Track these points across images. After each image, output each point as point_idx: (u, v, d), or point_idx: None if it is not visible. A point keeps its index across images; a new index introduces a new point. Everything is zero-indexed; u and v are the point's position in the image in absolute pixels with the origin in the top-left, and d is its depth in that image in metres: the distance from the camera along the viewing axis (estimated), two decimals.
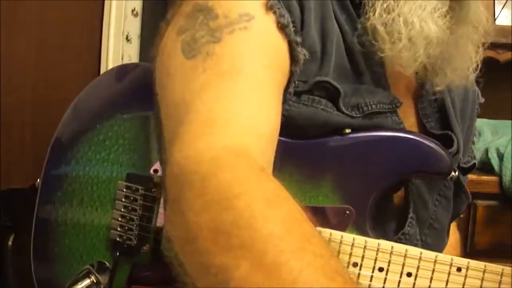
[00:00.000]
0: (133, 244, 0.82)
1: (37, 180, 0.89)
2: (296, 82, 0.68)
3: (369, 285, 0.67)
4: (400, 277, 0.67)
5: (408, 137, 0.73)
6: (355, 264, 0.67)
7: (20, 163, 1.57)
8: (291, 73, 0.67)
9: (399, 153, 0.72)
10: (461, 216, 0.91)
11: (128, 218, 0.83)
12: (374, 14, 0.70)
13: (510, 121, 1.75)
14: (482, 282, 0.67)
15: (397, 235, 0.75)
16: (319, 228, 0.67)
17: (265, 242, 0.46)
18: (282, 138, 0.69)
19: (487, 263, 0.68)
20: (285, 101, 0.68)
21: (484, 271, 0.68)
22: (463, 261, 0.68)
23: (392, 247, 0.67)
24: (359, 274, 0.67)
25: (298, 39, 0.66)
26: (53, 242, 0.85)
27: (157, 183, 0.82)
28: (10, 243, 1.09)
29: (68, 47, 1.72)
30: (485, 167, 1.61)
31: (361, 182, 0.71)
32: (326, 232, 0.67)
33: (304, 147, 0.70)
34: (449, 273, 0.67)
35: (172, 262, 0.52)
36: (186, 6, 0.66)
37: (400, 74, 0.74)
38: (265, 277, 0.44)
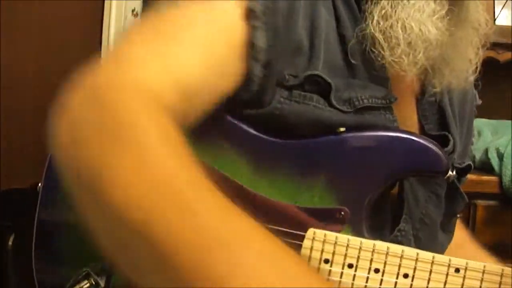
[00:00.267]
0: None
1: (38, 180, 0.89)
2: (287, 76, 0.68)
3: (365, 286, 0.67)
4: (397, 278, 0.66)
5: (404, 136, 0.72)
6: (350, 266, 0.66)
7: (20, 163, 1.57)
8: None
9: (395, 152, 0.71)
10: (460, 216, 0.91)
11: None
12: (372, 22, 0.69)
13: (510, 121, 1.74)
14: (481, 283, 0.67)
15: (393, 232, 0.75)
16: (314, 230, 0.67)
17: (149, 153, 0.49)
18: (275, 139, 0.69)
19: (486, 264, 0.67)
20: (274, 97, 0.67)
21: (483, 272, 0.67)
22: (461, 262, 0.67)
23: (387, 248, 0.66)
24: (354, 275, 0.66)
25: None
26: (54, 243, 0.85)
27: None
28: (10, 243, 1.09)
29: (68, 47, 1.72)
30: (485, 167, 1.61)
31: (356, 182, 0.70)
32: (321, 233, 0.67)
33: (297, 147, 0.70)
34: (447, 274, 0.66)
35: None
36: None
37: (402, 76, 0.74)
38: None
